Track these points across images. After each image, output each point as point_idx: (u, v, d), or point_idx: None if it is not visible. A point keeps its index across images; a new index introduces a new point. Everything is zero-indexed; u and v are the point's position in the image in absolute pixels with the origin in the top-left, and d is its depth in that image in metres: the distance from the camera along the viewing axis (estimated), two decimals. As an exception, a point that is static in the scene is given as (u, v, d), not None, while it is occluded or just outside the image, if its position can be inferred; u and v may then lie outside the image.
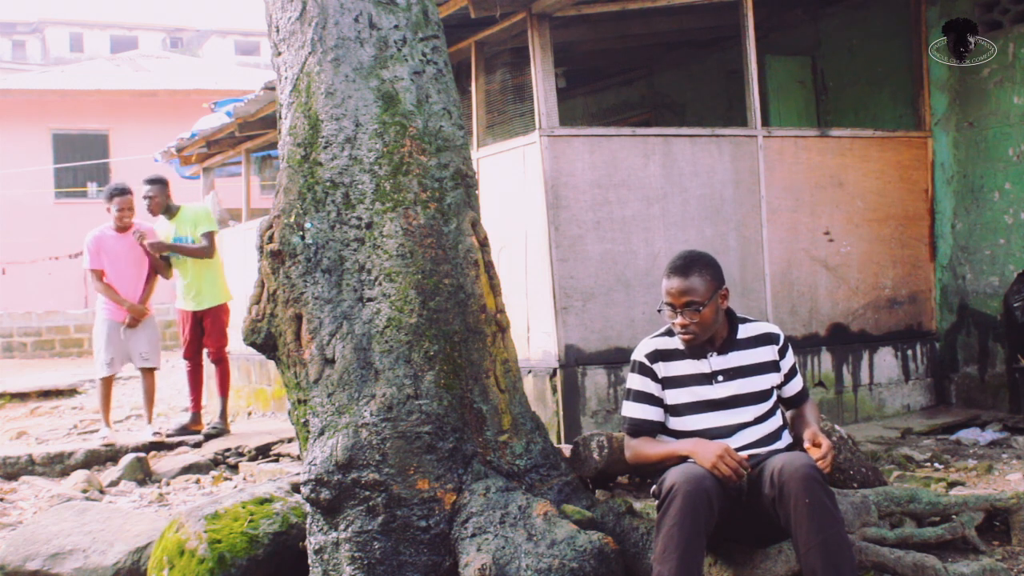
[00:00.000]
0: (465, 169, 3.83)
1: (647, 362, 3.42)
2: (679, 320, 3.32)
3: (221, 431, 7.95)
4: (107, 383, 7.87)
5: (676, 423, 3.40)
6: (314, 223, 3.66)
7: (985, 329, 7.10)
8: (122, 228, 7.73)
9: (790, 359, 3.50)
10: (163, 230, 7.95)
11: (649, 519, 3.53)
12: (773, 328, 3.51)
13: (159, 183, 7.89)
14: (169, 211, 7.88)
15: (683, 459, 3.24)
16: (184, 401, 8.93)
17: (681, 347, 3.41)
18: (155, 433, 7.74)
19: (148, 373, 7.87)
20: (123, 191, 7.73)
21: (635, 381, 3.44)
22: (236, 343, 9.38)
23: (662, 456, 3.32)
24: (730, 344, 3.41)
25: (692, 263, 3.34)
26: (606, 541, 3.29)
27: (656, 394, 3.41)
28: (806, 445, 3.22)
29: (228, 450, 7.39)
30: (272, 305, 3.71)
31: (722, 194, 6.68)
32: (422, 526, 3.43)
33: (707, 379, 3.39)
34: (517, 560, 3.24)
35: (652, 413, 3.41)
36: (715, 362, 3.39)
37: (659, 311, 3.38)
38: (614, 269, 6.37)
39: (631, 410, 3.44)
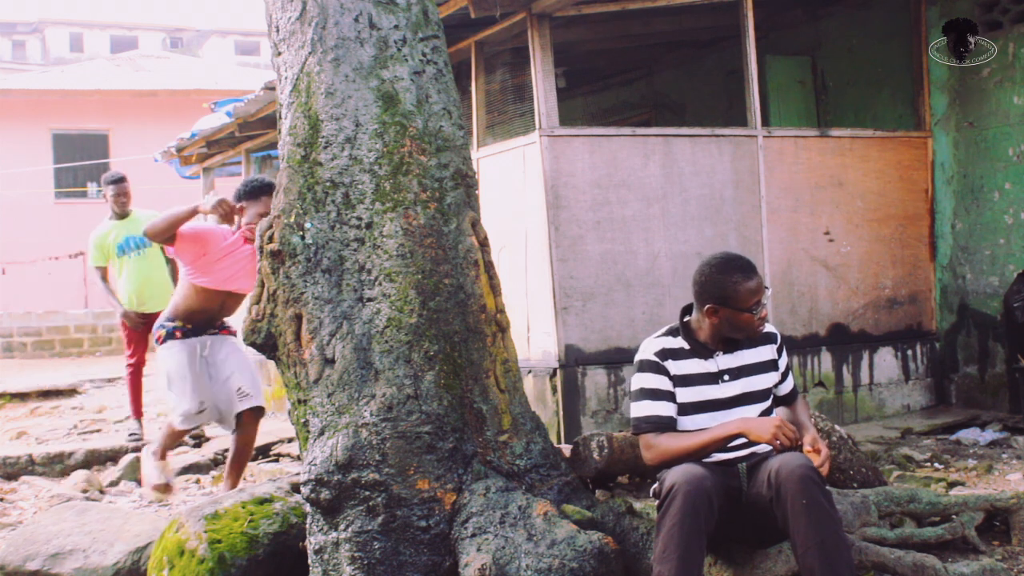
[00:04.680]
0: (465, 169, 3.83)
1: (658, 360, 3.37)
2: (765, 310, 3.36)
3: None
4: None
5: (680, 423, 3.38)
6: (314, 223, 3.66)
7: (985, 329, 7.10)
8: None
9: (785, 358, 3.53)
10: (105, 230, 7.80)
11: (649, 519, 3.52)
12: (770, 327, 3.52)
13: (126, 178, 7.82)
14: (125, 212, 7.80)
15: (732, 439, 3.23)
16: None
17: (687, 346, 3.40)
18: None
19: (253, 418, 5.37)
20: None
21: (648, 380, 3.36)
22: (236, 343, 9.37)
23: (703, 444, 3.22)
24: (735, 343, 3.41)
25: (745, 258, 3.42)
26: (606, 541, 3.29)
27: (671, 390, 3.35)
28: (806, 449, 3.23)
29: (228, 450, 7.37)
30: (272, 305, 3.71)
31: (722, 194, 6.68)
32: (422, 526, 3.43)
33: (713, 378, 3.38)
34: (517, 560, 3.24)
35: (671, 409, 3.34)
36: (722, 361, 3.39)
37: (753, 315, 3.30)
38: (614, 269, 6.37)
39: (649, 408, 3.34)
